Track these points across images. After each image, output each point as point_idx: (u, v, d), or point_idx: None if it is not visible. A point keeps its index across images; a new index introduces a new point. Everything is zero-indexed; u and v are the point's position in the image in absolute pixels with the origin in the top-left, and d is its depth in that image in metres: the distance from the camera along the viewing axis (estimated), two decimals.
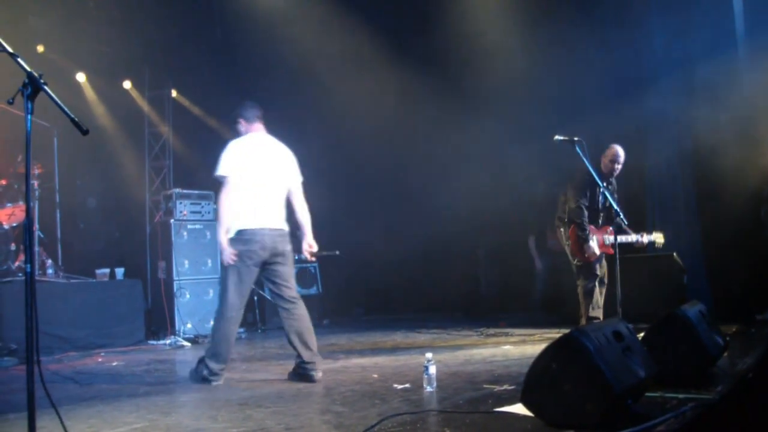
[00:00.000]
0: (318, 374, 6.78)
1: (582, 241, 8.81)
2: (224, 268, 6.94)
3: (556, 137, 8.54)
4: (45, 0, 10.48)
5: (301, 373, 6.83)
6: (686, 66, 10.72)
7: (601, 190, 8.63)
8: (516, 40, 12.02)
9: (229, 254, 6.72)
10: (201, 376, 6.81)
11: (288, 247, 7.13)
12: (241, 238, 6.78)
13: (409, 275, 13.98)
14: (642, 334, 5.65)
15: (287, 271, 7.11)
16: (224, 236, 6.77)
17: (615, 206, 8.22)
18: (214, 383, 6.74)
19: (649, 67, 11.30)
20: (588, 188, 8.90)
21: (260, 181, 6.94)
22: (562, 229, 9.21)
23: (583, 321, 8.85)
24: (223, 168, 6.84)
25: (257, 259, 6.85)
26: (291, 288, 7.12)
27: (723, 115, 10.05)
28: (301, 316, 7.07)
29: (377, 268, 13.89)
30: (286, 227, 7.16)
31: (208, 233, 11.53)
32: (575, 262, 9.00)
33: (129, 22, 11.12)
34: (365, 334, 11.08)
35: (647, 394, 4.88)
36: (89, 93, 12.34)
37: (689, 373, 5.49)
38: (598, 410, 4.23)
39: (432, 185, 13.52)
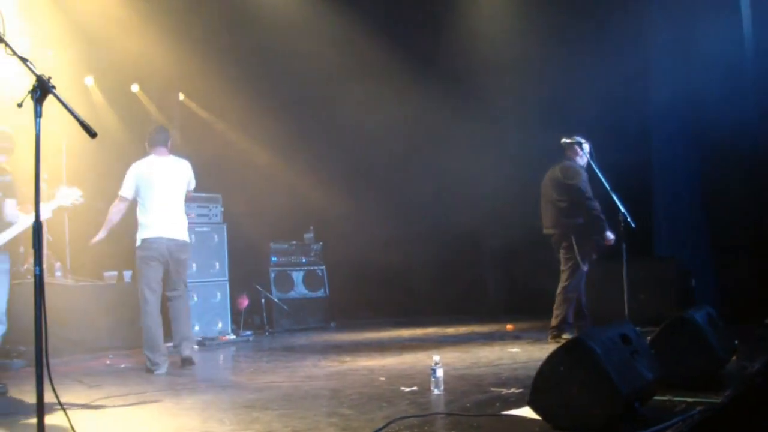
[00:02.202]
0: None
1: (601, 229, 8.82)
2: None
3: (563, 140, 8.55)
4: (54, 5, 10.50)
5: None
6: (691, 64, 10.71)
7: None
8: (523, 42, 12.05)
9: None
10: (146, 368, 7.95)
11: (181, 256, 8.29)
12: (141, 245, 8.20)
13: (417, 278, 13.98)
14: (650, 338, 5.64)
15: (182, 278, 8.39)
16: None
17: (622, 209, 8.21)
18: (156, 372, 7.79)
19: (656, 67, 11.29)
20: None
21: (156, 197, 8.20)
22: (557, 230, 9.19)
23: (555, 322, 8.92)
24: (122, 188, 8.31)
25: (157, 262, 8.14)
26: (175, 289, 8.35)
27: (729, 115, 10.04)
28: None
29: (384, 271, 13.89)
30: (182, 237, 8.32)
31: (215, 236, 11.52)
32: (570, 260, 9.00)
33: (137, 27, 11.13)
34: (372, 336, 11.08)
35: (655, 397, 4.87)
36: (97, 96, 12.36)
37: (697, 376, 5.47)
38: (606, 414, 4.23)
39: (439, 188, 13.55)
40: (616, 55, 10.97)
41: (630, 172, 9.36)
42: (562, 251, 9.21)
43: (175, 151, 11.78)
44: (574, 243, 9.03)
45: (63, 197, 7.07)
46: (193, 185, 8.59)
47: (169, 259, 8.18)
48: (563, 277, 9.15)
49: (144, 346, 8.03)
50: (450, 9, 12.92)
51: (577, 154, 9.17)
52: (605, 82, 10.84)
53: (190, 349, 8.33)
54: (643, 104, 11.27)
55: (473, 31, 12.77)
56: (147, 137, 8.65)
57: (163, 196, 8.21)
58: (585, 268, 9.03)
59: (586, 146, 9.09)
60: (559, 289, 9.14)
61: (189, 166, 8.54)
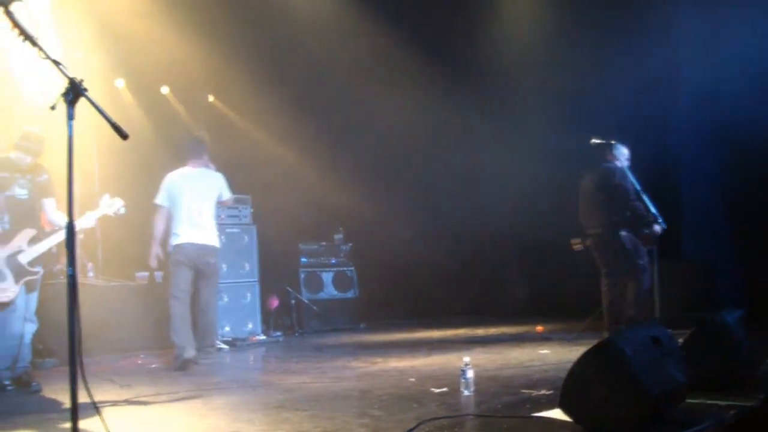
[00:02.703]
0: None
1: (649, 224, 8.81)
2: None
3: (593, 140, 8.52)
4: (84, 8, 10.58)
5: None
6: (720, 62, 10.63)
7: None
8: (549, 41, 12.02)
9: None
10: (174, 354, 8.47)
11: (208, 259, 8.82)
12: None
13: (446, 279, 13.97)
14: (681, 340, 5.60)
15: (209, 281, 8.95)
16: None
17: (653, 209, 8.17)
18: (184, 356, 8.28)
19: (684, 65, 11.22)
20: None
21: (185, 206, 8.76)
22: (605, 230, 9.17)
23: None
24: (157, 198, 8.90)
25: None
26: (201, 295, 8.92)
27: (758, 115, 9.95)
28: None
29: (414, 272, 13.90)
30: (211, 242, 8.84)
31: (245, 237, 11.56)
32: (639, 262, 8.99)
33: (167, 29, 11.19)
34: (402, 337, 11.08)
35: (687, 400, 4.82)
36: (127, 98, 12.45)
37: (730, 379, 5.42)
38: (636, 416, 4.20)
39: (470, 189, 13.52)
40: (644, 55, 10.93)
41: (658, 173, 9.30)
42: (609, 252, 9.24)
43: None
44: (625, 242, 9.04)
45: (106, 206, 7.33)
46: (226, 196, 9.10)
47: (198, 263, 8.72)
48: (623, 280, 9.15)
49: (171, 332, 8.62)
50: (478, 8, 12.88)
51: (616, 158, 9.14)
52: (633, 81, 10.81)
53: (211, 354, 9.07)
54: (670, 103, 11.20)
55: (501, 30, 12.74)
56: (185, 148, 9.23)
57: (192, 206, 8.74)
58: (644, 261, 9.00)
59: (625, 151, 9.08)
60: (633, 294, 9.07)
61: (221, 178, 9.09)
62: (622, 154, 9.18)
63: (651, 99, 10.84)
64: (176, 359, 8.38)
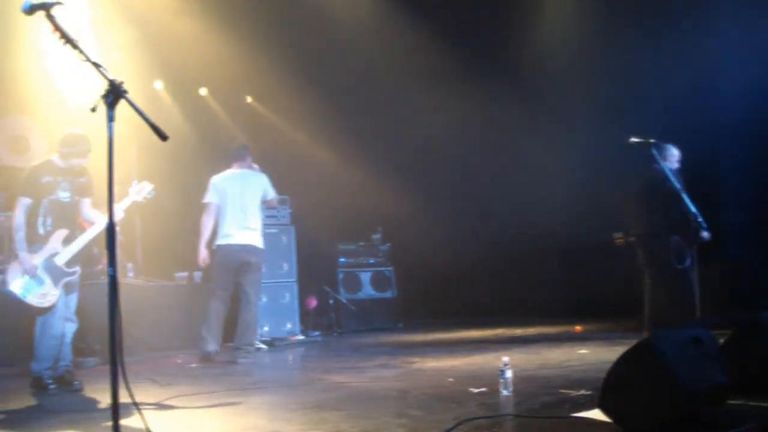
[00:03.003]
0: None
1: (696, 229, 8.77)
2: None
3: (632, 139, 8.45)
4: (123, 10, 10.67)
5: None
6: (761, 62, 10.51)
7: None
8: (590, 45, 11.94)
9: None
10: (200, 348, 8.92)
11: (250, 258, 9.03)
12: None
13: (484, 278, 13.94)
14: (722, 341, 5.53)
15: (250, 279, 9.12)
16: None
17: (694, 210, 8.10)
18: (206, 349, 8.79)
19: (724, 65, 11.11)
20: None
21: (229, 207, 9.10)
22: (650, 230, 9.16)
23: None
24: (205, 197, 9.22)
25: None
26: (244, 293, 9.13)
27: None
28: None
29: (452, 271, 13.88)
30: (254, 242, 9.08)
31: (283, 237, 11.62)
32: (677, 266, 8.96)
33: (205, 30, 11.26)
34: (440, 337, 11.07)
35: (729, 402, 4.76)
36: (166, 100, 12.55)
37: None
38: (676, 417, 4.16)
39: (507, 188, 13.49)
40: (682, 53, 10.82)
41: (696, 172, 9.19)
42: (652, 253, 9.21)
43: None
44: (669, 245, 9.02)
45: (135, 193, 7.31)
46: (270, 195, 9.34)
47: (241, 263, 8.99)
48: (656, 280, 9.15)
49: (203, 325, 8.99)
50: (519, 10, 12.83)
51: (666, 159, 9.08)
52: (671, 80, 10.71)
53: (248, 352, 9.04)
54: (710, 102, 11.08)
55: (541, 30, 12.68)
56: (229, 154, 9.55)
57: (237, 206, 9.04)
58: (684, 265, 8.97)
59: (676, 152, 9.01)
60: (668, 297, 9.04)
61: (264, 178, 9.34)
62: (673, 155, 9.13)
63: (690, 98, 10.73)
64: (200, 351, 8.90)
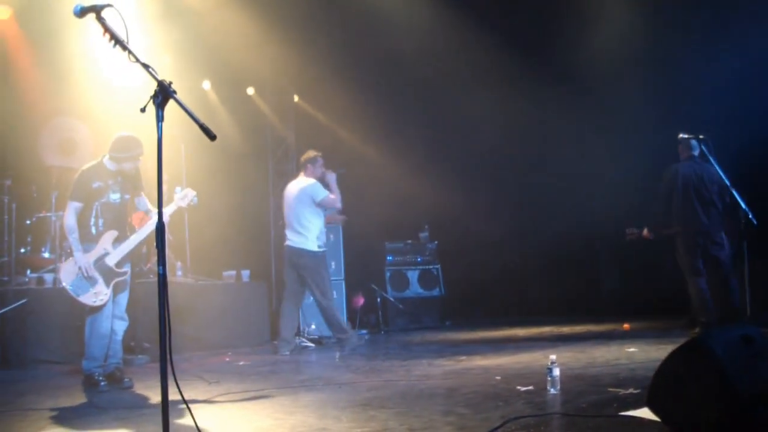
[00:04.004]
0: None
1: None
2: None
3: (681, 135, 8.40)
4: (170, 11, 10.77)
5: None
6: None
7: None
8: (644, 42, 11.81)
9: None
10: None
11: (297, 260, 9.85)
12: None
13: (531, 276, 13.90)
14: None
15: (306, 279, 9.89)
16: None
17: (743, 205, 8.01)
18: (279, 353, 9.64)
19: None
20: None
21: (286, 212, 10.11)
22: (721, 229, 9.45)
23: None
24: None
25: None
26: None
27: None
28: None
29: (499, 270, 13.85)
30: (300, 245, 9.81)
31: (331, 236, 11.69)
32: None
33: (252, 30, 11.32)
34: (487, 335, 11.05)
35: None
36: (213, 100, 12.66)
37: None
38: (727, 417, 4.11)
39: (553, 187, 13.41)
40: (738, 47, 10.67)
41: (746, 167, 9.08)
42: (721, 250, 9.33)
43: (288, 153, 12.19)
44: (733, 240, 9.11)
45: (180, 199, 7.42)
46: (318, 198, 9.79)
47: (294, 265, 9.88)
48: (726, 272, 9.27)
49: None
50: (573, 9, 12.71)
51: (709, 155, 9.09)
52: (725, 74, 10.57)
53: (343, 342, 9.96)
54: (762, 93, 10.92)
55: (591, 29, 12.56)
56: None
57: (289, 212, 9.98)
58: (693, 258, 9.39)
59: (706, 142, 8.95)
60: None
61: (310, 184, 9.88)
62: (687, 148, 9.17)
63: (741, 91, 10.59)
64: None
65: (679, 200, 9.44)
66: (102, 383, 7.05)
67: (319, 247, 9.86)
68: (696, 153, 9.50)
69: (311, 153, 10.17)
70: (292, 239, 9.84)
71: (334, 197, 9.86)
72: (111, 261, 7.12)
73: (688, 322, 9.66)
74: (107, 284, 7.06)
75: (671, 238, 9.66)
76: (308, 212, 9.82)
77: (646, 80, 11.90)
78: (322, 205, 9.88)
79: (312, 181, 9.92)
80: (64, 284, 6.97)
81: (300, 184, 9.95)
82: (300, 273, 9.85)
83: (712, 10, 11.16)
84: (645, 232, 9.83)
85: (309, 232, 9.79)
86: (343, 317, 10.05)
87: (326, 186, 9.93)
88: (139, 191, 7.53)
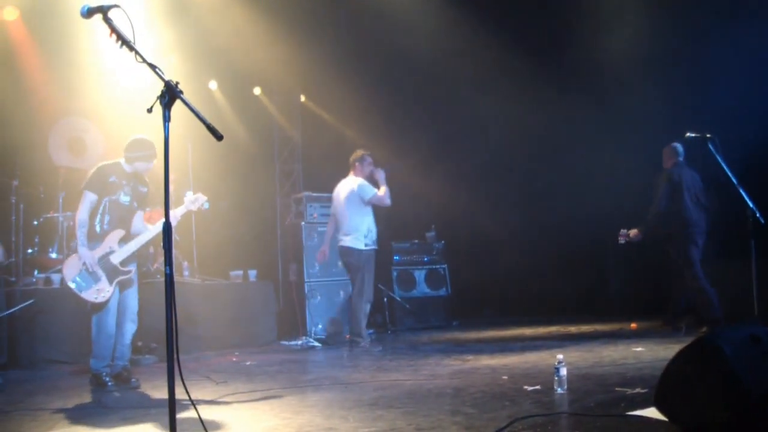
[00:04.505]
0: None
1: None
2: None
3: (688, 134, 8.39)
4: (177, 12, 10.79)
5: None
6: None
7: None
8: (655, 43, 11.77)
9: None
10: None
11: (345, 259, 10.17)
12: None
13: (539, 276, 13.86)
14: None
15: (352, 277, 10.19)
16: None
17: (751, 204, 7.99)
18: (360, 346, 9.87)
19: None
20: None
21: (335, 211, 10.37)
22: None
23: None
24: None
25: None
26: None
27: None
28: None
29: (506, 269, 13.82)
30: (347, 243, 9.99)
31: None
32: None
33: (258, 30, 11.33)
34: (494, 335, 11.04)
35: None
36: (220, 100, 12.67)
37: None
38: (736, 417, 4.10)
39: (561, 186, 13.38)
40: (746, 44, 10.64)
41: (756, 162, 9.05)
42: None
43: (295, 153, 12.22)
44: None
45: (190, 203, 7.42)
46: (366, 197, 9.98)
47: (344, 263, 10.34)
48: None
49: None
50: (584, 9, 12.67)
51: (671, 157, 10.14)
52: (734, 71, 10.55)
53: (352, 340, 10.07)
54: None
55: (603, 28, 12.51)
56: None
57: (336, 212, 10.26)
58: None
59: (713, 142, 8.95)
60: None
61: (356, 183, 10.06)
62: (717, 149, 9.16)
63: (749, 89, 10.56)
64: None
65: (683, 202, 9.74)
66: (109, 383, 7.09)
67: (366, 245, 9.93)
68: (682, 158, 10.03)
69: (359, 152, 10.31)
70: (343, 239, 10.03)
71: (381, 194, 9.92)
72: (116, 259, 7.15)
73: (695, 321, 9.72)
74: (110, 282, 7.09)
75: (663, 239, 10.02)
76: (357, 211, 9.98)
77: (656, 80, 11.84)
78: (371, 204, 10.01)
79: (360, 180, 10.07)
80: (66, 280, 7.02)
81: (349, 184, 10.11)
82: (348, 271, 10.26)
83: (717, 9, 11.14)
84: (634, 231, 10.00)
85: (357, 231, 9.93)
86: (364, 323, 9.97)
87: (375, 184, 10.04)
88: (146, 206, 7.60)
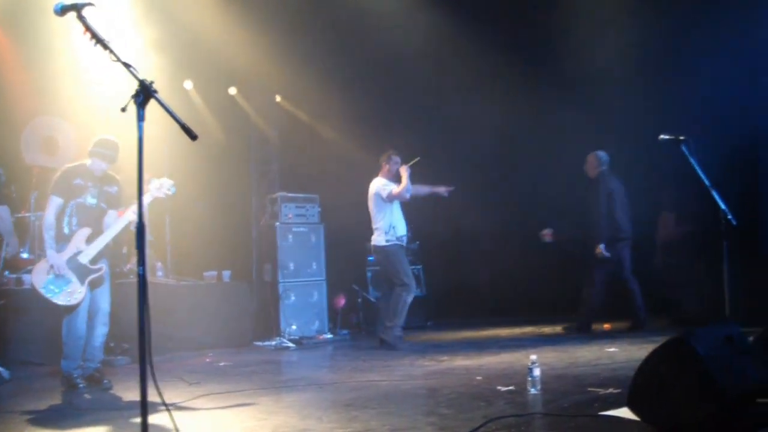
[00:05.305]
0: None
1: None
2: None
3: (661, 136, 8.44)
4: (152, 10, 10.74)
5: None
6: None
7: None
8: (637, 44, 11.82)
9: None
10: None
11: (376, 258, 10.60)
12: None
13: (514, 277, 13.87)
14: (751, 338, 5.46)
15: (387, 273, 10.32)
16: None
17: (723, 206, 8.04)
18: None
19: (765, 57, 10.99)
20: None
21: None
22: None
23: None
24: None
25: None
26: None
27: None
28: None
29: (481, 270, 13.84)
30: (374, 242, 10.16)
31: (312, 236, 11.71)
32: None
33: (234, 29, 11.29)
34: (469, 335, 11.07)
35: (759, 399, 4.71)
36: (196, 100, 12.60)
37: None
38: (710, 417, 4.12)
39: (541, 190, 13.41)
40: (722, 49, 10.72)
41: (732, 164, 9.13)
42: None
43: (271, 152, 12.17)
44: None
45: (155, 189, 7.19)
46: (384, 193, 10.06)
47: (376, 261, 11.15)
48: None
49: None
50: (564, 9, 12.68)
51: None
52: (711, 76, 10.63)
53: (384, 334, 9.94)
54: (748, 91, 10.96)
55: (588, 30, 12.53)
56: None
57: (371, 210, 10.27)
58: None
59: (688, 144, 9.02)
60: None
61: (377, 181, 10.21)
62: (691, 152, 9.23)
63: (728, 90, 10.64)
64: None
65: (615, 209, 10.43)
66: (81, 385, 7.04)
67: (387, 241, 9.97)
68: (606, 167, 10.61)
69: (387, 152, 10.42)
70: (372, 238, 10.19)
71: (398, 190, 9.98)
72: (85, 258, 7.08)
73: (672, 322, 9.91)
74: (81, 282, 7.03)
75: (582, 241, 10.74)
76: (377, 209, 10.11)
77: (644, 85, 11.90)
78: (390, 200, 10.08)
79: (381, 179, 10.21)
80: (36, 287, 6.94)
81: (373, 184, 10.25)
82: (380, 268, 10.74)
83: (694, 10, 11.21)
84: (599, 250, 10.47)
85: (380, 229, 10.06)
86: (403, 314, 10.01)
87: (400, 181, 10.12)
88: (117, 207, 7.49)
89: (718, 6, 10.94)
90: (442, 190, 10.81)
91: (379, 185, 10.12)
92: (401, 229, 10.16)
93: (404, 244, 10.24)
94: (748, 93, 10.81)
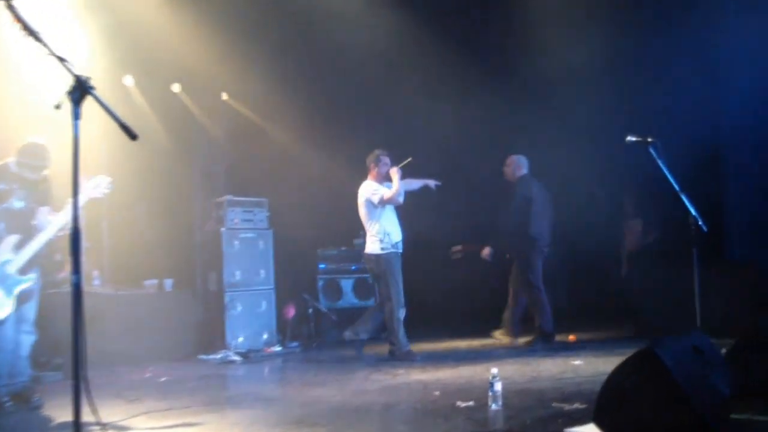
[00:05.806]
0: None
1: None
2: None
3: (629, 138, 8.51)
4: (91, 3, 10.63)
5: None
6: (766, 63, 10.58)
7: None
8: (593, 45, 11.93)
9: None
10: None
11: (368, 266, 10.24)
12: None
13: (472, 288, 13.91)
14: (725, 350, 5.52)
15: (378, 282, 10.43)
16: None
17: (693, 211, 8.13)
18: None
19: (730, 61, 11.15)
20: None
21: None
22: None
23: None
24: None
25: None
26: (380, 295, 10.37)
27: None
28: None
29: (439, 280, 13.85)
30: (367, 249, 10.02)
31: (261, 242, 11.61)
32: None
33: (178, 23, 11.20)
34: (426, 347, 11.05)
35: (732, 415, 4.76)
36: (137, 97, 12.48)
37: None
38: (679, 429, 4.14)
39: (501, 195, 13.46)
40: (688, 52, 10.87)
41: (698, 169, 9.24)
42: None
43: (217, 153, 12.08)
44: None
45: (91, 189, 7.01)
46: (375, 199, 9.87)
47: (368, 269, 10.50)
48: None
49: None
50: (527, 10, 12.77)
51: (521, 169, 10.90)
52: (675, 79, 10.77)
53: (393, 354, 9.87)
54: (715, 100, 11.13)
55: (545, 34, 12.63)
56: None
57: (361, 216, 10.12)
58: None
59: (655, 146, 9.10)
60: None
61: (366, 186, 10.02)
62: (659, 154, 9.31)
63: (695, 96, 10.78)
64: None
65: (532, 215, 10.58)
66: (7, 403, 6.86)
67: (383, 249, 9.84)
68: (527, 170, 10.80)
69: (375, 153, 10.21)
70: (366, 246, 10.06)
71: (390, 195, 9.84)
72: (12, 268, 6.89)
73: (636, 332, 10.04)
74: (8, 294, 6.84)
75: (510, 250, 10.90)
76: (369, 216, 9.95)
77: (594, 84, 12.01)
78: (382, 205, 9.93)
79: (369, 183, 10.03)
80: None
81: (361, 189, 10.07)
82: (372, 277, 10.81)
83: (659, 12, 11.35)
84: (486, 251, 10.98)
85: (371, 236, 9.93)
86: (401, 330, 9.93)
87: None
88: (46, 204, 7.29)
89: (681, 10, 11.12)
90: (432, 183, 10.68)
91: (369, 190, 9.93)
92: (396, 234, 10.03)
93: (400, 251, 10.07)
94: (710, 95, 10.98)
